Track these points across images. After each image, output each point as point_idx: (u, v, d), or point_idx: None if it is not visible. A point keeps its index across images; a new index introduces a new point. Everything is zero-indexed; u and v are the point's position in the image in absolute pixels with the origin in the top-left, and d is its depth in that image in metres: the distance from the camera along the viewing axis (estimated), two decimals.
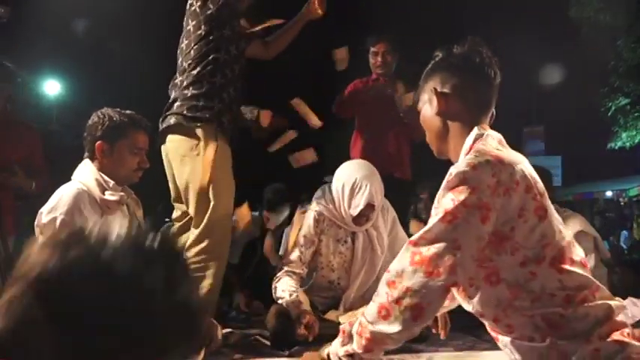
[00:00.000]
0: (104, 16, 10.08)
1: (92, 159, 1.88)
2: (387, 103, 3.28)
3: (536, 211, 1.15)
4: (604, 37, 10.04)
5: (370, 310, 1.16)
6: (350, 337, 1.22)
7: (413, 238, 1.16)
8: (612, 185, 13.18)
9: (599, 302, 1.14)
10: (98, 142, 1.85)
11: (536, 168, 1.31)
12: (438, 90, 1.28)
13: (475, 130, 1.24)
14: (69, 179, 1.90)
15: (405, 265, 1.13)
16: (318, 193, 2.41)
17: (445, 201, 1.13)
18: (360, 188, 2.22)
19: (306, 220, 2.34)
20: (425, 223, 1.19)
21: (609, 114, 10.49)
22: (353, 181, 2.24)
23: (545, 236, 1.15)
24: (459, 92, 1.27)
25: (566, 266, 1.15)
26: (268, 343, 2.11)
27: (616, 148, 10.78)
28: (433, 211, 1.16)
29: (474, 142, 1.22)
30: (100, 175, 1.84)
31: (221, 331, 2.02)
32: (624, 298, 1.34)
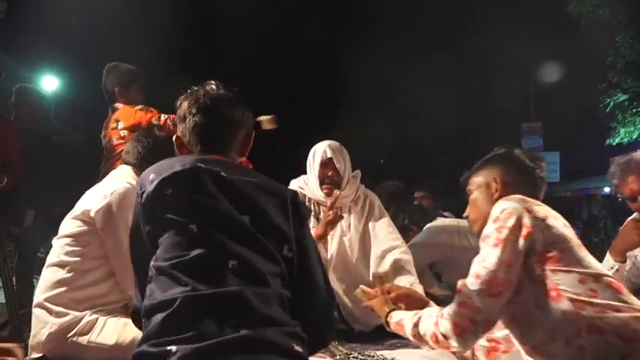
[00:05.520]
0: (102, 12, 10.06)
1: (135, 167, 1.92)
2: None
3: (579, 246, 1.27)
4: (603, 33, 10.04)
5: (444, 326, 1.27)
6: (416, 327, 1.37)
7: (474, 269, 1.28)
8: (610, 182, 13.19)
9: None
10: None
11: None
12: (501, 179, 1.47)
13: None
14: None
15: (473, 288, 1.24)
16: (296, 179, 2.65)
17: (490, 231, 1.27)
18: (316, 150, 2.55)
19: None
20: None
21: (607, 110, 10.51)
22: (314, 149, 2.57)
23: (590, 264, 1.26)
24: (517, 185, 1.45)
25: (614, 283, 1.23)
26: None
27: (614, 144, 10.80)
28: (481, 243, 1.30)
29: None
30: None
31: None
32: None
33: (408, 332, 1.39)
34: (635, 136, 10.64)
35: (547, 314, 1.20)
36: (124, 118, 2.67)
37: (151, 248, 1.11)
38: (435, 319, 1.29)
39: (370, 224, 2.50)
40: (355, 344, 2.08)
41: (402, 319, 1.44)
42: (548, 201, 1.40)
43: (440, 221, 3.11)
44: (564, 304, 1.18)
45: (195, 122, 1.23)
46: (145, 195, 1.13)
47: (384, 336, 2.09)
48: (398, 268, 2.36)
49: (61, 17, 10.00)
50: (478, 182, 1.52)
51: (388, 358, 1.91)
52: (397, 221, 3.10)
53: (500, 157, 1.53)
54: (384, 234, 2.46)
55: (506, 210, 1.27)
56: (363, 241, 2.46)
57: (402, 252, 2.41)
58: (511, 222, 1.24)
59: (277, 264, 1.10)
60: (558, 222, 1.28)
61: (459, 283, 1.29)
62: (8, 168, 2.71)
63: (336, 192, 2.42)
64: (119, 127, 2.67)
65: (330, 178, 2.49)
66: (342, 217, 2.43)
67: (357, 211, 2.52)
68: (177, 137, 1.28)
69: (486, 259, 1.24)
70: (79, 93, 10.39)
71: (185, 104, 1.25)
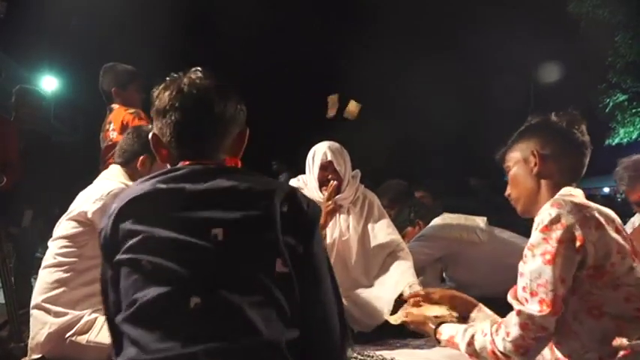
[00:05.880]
0: (102, 12, 10.05)
1: (125, 166, 1.91)
2: None
3: (631, 253, 1.21)
4: (602, 33, 10.05)
5: (505, 347, 1.22)
6: (471, 346, 1.31)
7: (523, 284, 1.21)
8: (609, 182, 13.23)
9: None
10: (142, 156, 1.88)
11: None
12: (539, 151, 1.36)
13: (564, 189, 1.33)
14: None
15: (536, 311, 1.18)
16: (295, 179, 2.61)
17: (538, 241, 1.19)
18: (316, 152, 2.51)
19: None
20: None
21: (607, 110, 10.51)
22: (313, 150, 2.53)
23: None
24: (557, 156, 1.36)
25: None
26: None
27: (613, 144, 10.80)
28: (527, 252, 1.22)
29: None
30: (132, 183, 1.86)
31: None
32: None
33: (462, 351, 1.34)
34: (634, 136, 10.65)
35: (585, 330, 1.19)
36: (115, 119, 2.67)
37: (114, 296, 0.95)
38: (491, 338, 1.25)
39: (370, 225, 2.49)
40: (354, 344, 2.08)
41: (452, 337, 1.38)
42: None
43: (447, 216, 3.06)
44: (604, 324, 1.17)
45: (177, 119, 1.00)
46: (102, 234, 0.97)
47: (383, 336, 2.09)
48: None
49: (61, 17, 10.00)
50: (515, 158, 1.42)
51: (388, 359, 1.91)
52: (403, 215, 3.08)
53: (536, 127, 1.42)
54: (384, 235, 2.45)
55: (557, 220, 1.18)
56: (362, 242, 2.46)
57: (401, 253, 2.40)
58: (563, 234, 1.16)
59: (263, 290, 0.89)
60: (611, 231, 1.20)
61: (513, 301, 1.22)
62: (8, 168, 2.72)
63: (332, 182, 2.41)
64: (111, 128, 2.67)
65: (329, 180, 2.46)
66: (341, 206, 2.43)
67: (355, 211, 2.51)
68: (154, 135, 1.05)
69: (541, 277, 1.17)
70: (79, 93, 10.38)
71: (165, 96, 1.02)
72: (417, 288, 2.19)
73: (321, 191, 2.48)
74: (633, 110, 10.47)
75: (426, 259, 2.78)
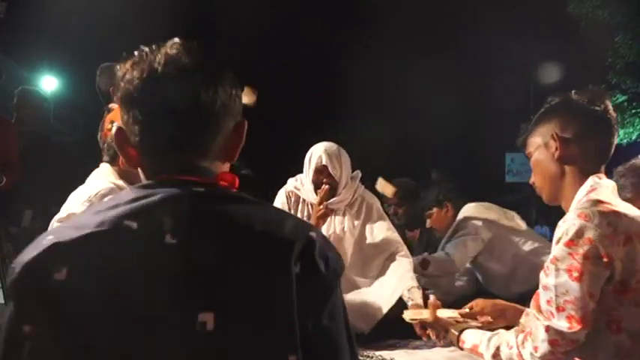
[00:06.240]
0: (102, 12, 10.05)
1: (113, 164, 1.88)
2: None
3: None
4: (602, 34, 10.04)
5: None
6: (496, 358, 1.27)
7: (547, 297, 1.17)
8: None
9: None
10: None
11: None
12: (559, 135, 1.27)
13: (590, 181, 1.24)
14: (68, 175, 1.90)
15: (567, 328, 1.15)
16: (293, 179, 2.62)
17: (563, 255, 1.14)
18: (312, 154, 2.48)
19: (278, 197, 2.55)
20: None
21: None
22: (310, 152, 2.50)
23: None
24: (580, 139, 1.26)
25: None
26: None
27: None
28: (550, 265, 1.16)
29: (588, 192, 1.22)
30: (122, 182, 1.85)
31: None
32: None
33: None
34: (634, 137, 10.65)
35: (601, 342, 1.17)
36: (115, 119, 2.66)
37: None
38: (517, 351, 1.22)
39: (367, 227, 2.46)
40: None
41: (476, 346, 1.35)
42: None
43: (477, 203, 2.94)
44: (620, 340, 1.15)
45: (149, 110, 0.72)
46: (11, 284, 0.62)
47: (382, 337, 2.08)
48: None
49: (61, 17, 10.00)
50: (536, 143, 1.33)
51: (387, 359, 1.90)
52: (430, 196, 3.02)
53: (555, 108, 1.32)
54: (383, 237, 2.42)
55: (582, 233, 1.12)
56: (358, 244, 2.44)
57: (401, 256, 2.38)
58: (589, 250, 1.11)
59: None
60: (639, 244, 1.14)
61: (537, 314, 1.18)
62: (8, 168, 2.73)
63: (324, 186, 2.40)
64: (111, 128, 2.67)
65: (324, 184, 2.44)
66: (332, 211, 2.42)
67: (352, 213, 2.48)
68: (119, 131, 0.77)
69: (569, 293, 1.13)
70: (79, 93, 10.38)
71: (133, 78, 0.73)
72: (417, 292, 2.17)
73: (316, 193, 2.46)
74: (633, 111, 10.46)
75: (475, 246, 2.70)
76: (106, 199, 0.75)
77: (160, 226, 0.65)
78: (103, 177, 1.83)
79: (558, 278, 1.14)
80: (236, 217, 0.68)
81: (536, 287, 1.23)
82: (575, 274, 1.12)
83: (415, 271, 2.53)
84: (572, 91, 1.30)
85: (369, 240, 2.44)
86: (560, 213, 1.28)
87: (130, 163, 0.78)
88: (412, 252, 3.56)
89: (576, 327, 1.13)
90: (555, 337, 1.15)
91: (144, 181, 0.77)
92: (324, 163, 2.42)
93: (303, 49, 15.23)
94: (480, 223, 2.73)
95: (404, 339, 2.06)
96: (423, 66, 12.80)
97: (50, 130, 5.08)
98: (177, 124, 0.73)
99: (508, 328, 1.40)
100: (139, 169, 0.79)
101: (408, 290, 2.17)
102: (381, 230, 2.45)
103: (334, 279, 0.70)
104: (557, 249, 1.16)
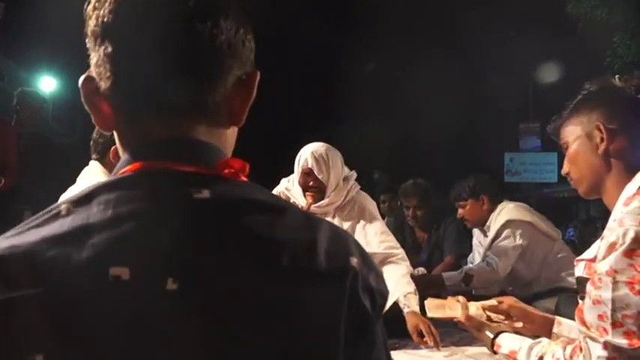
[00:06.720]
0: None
1: (102, 162, 1.85)
2: None
3: None
4: (601, 34, 10.05)
5: None
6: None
7: (600, 312, 1.07)
8: None
9: None
10: (114, 147, 1.83)
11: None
12: (606, 125, 1.17)
13: (637, 177, 1.14)
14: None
15: (621, 342, 1.07)
16: (285, 179, 2.58)
17: (622, 266, 1.04)
18: (301, 156, 2.40)
19: None
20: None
21: None
22: (299, 154, 2.43)
23: None
24: (628, 131, 1.17)
25: None
26: None
27: None
28: (604, 277, 1.05)
29: (639, 189, 1.11)
30: None
31: None
32: None
33: None
34: None
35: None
36: None
37: None
38: None
39: (359, 229, 2.38)
40: None
41: (514, 352, 1.25)
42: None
43: (515, 204, 2.88)
44: None
45: (124, 40, 0.55)
46: None
47: None
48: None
49: (60, 18, 9.99)
50: (575, 133, 1.23)
51: None
52: (460, 188, 2.93)
53: (599, 95, 1.23)
54: (376, 240, 2.34)
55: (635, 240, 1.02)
56: None
57: (396, 259, 2.32)
58: None
59: None
60: None
61: (587, 332, 1.09)
62: (6, 169, 2.73)
63: (308, 194, 2.38)
64: None
65: (311, 187, 2.38)
66: (324, 213, 2.39)
67: (342, 216, 2.41)
68: (87, 79, 0.63)
69: (630, 307, 1.03)
70: (78, 94, 10.37)
71: (105, 4, 0.57)
72: (413, 298, 2.13)
73: (304, 196, 2.41)
74: None
75: (515, 254, 2.68)
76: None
77: (156, 270, 0.46)
78: (92, 176, 1.77)
79: (617, 292, 1.05)
80: (256, 243, 0.49)
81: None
82: (638, 288, 1.03)
83: (453, 281, 2.65)
84: (616, 77, 1.22)
85: (363, 243, 2.34)
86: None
87: (103, 125, 0.60)
88: (421, 252, 3.56)
89: (637, 344, 1.04)
90: (614, 354, 1.06)
91: (121, 154, 0.58)
92: (309, 166, 2.35)
93: (303, 49, 15.23)
94: (520, 230, 2.71)
95: (404, 339, 2.06)
96: (422, 66, 12.80)
97: (49, 131, 5.09)
98: (161, 64, 0.53)
99: (536, 336, 1.33)
100: (116, 138, 0.61)
101: (404, 296, 2.10)
102: (375, 233, 2.35)
103: (380, 314, 0.55)
104: (613, 259, 1.05)
